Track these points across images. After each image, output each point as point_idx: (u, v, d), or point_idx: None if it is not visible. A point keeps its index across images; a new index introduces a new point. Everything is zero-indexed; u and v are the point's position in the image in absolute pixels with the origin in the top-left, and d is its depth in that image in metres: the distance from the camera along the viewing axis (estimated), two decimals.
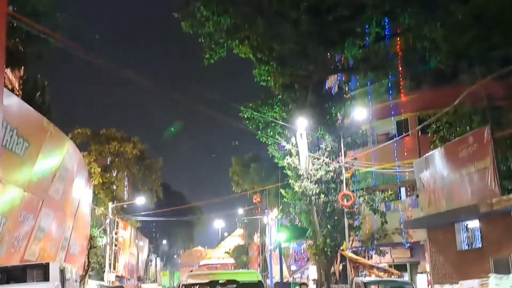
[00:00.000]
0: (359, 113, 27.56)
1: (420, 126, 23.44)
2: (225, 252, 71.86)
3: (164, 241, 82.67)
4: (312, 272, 36.83)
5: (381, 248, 30.11)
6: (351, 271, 26.82)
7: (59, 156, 16.70)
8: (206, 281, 11.60)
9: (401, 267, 30.47)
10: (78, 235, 22.66)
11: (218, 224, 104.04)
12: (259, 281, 11.75)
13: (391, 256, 31.83)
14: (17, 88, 18.19)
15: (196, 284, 11.50)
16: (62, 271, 10.33)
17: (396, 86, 33.31)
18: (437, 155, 17.89)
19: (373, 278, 20.24)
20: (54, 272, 10.08)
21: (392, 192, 29.39)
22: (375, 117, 32.85)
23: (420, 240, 30.00)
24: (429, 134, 21.90)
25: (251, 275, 12.43)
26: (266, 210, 52.97)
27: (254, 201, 66.03)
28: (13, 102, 13.30)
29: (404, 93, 32.86)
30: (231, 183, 50.30)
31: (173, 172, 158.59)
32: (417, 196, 31.69)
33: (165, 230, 77.13)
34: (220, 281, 11.56)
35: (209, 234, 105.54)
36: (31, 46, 15.97)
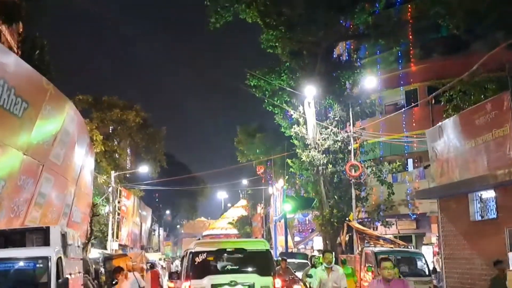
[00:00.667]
0: (369, 82, 26.80)
1: (434, 93, 22.71)
2: (229, 223, 71.72)
3: (168, 211, 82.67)
4: (317, 242, 36.57)
5: (387, 220, 29.70)
6: (357, 242, 26.44)
7: (60, 118, 16.07)
8: (214, 249, 11.76)
9: (406, 239, 30.04)
10: (80, 202, 22.20)
11: (221, 195, 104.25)
12: (267, 250, 11.89)
13: (397, 228, 31.45)
14: (15, 47, 17.48)
15: (204, 251, 11.63)
16: (63, 236, 9.79)
17: (406, 55, 32.51)
18: (451, 123, 17.22)
19: (384, 248, 19.76)
20: (55, 236, 9.54)
21: (400, 163, 28.82)
22: (384, 87, 32.07)
23: (426, 211, 29.61)
24: (442, 103, 21.18)
25: (259, 244, 12.44)
26: (270, 182, 52.63)
27: (257, 172, 65.66)
28: (10, 60, 12.63)
29: (414, 63, 32.10)
30: (236, 153, 49.77)
31: (177, 142, 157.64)
32: (425, 167, 31.21)
33: (168, 201, 77.04)
34: (227, 249, 11.79)
35: (212, 205, 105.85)
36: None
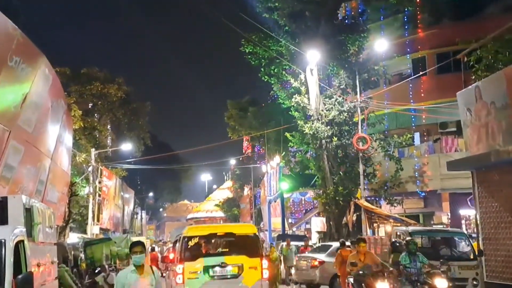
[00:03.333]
0: (379, 45, 24.22)
1: (466, 50, 20.14)
2: (215, 205, 69.25)
3: (150, 194, 79.87)
4: (315, 224, 34.20)
5: (390, 198, 27.18)
6: (365, 222, 24.10)
7: (30, 75, 13.18)
8: (206, 233, 12.70)
9: (413, 219, 27.68)
10: (57, 179, 19.37)
11: (205, 177, 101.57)
12: (255, 234, 12.74)
13: (402, 207, 29.01)
14: None
15: (196, 236, 12.49)
16: (28, 211, 7.09)
17: (413, 20, 30.00)
18: (493, 82, 14.75)
19: (417, 227, 17.29)
20: (15, 211, 6.85)
21: (410, 135, 26.41)
22: (388, 55, 29.50)
23: (436, 188, 27.36)
24: (471, 63, 18.66)
25: (247, 228, 13.46)
26: (261, 161, 50.04)
27: (244, 150, 62.95)
28: None
29: (422, 28, 29.55)
30: (227, 129, 46.85)
31: (160, 122, 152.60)
32: (434, 141, 28.90)
33: (151, 183, 74.13)
34: (218, 234, 12.83)
35: (195, 187, 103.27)
36: None
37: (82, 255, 20.40)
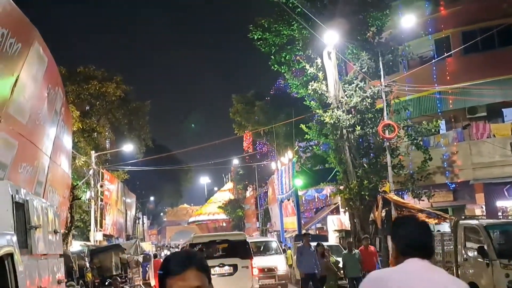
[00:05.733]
0: (407, 21, 22.11)
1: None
2: (218, 207, 67.22)
3: (152, 198, 77.88)
4: (332, 222, 32.09)
5: (420, 191, 25.00)
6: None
7: (21, 53, 11.01)
8: (207, 240, 16.34)
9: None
10: (57, 181, 17.24)
11: (204, 180, 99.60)
12: (245, 240, 16.41)
13: (429, 200, 26.77)
14: None
15: (200, 243, 15.95)
16: (21, 208, 4.91)
17: None
18: None
19: (492, 220, 15.13)
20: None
21: (440, 121, 24.34)
22: (409, 37, 27.41)
23: (468, 179, 25.26)
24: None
25: (239, 236, 17.55)
26: (268, 159, 47.93)
27: (244, 149, 60.75)
28: None
29: (444, 6, 27.45)
30: (232, 125, 44.51)
31: (159, 123, 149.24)
32: (464, 127, 26.83)
33: (151, 187, 71.97)
34: (216, 241, 16.55)
35: (194, 191, 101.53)
36: None
37: (87, 265, 18.30)
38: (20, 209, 4.99)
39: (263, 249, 23.36)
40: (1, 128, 10.84)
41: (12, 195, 4.91)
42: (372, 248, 17.61)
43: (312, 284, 16.51)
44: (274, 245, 23.85)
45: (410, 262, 2.86)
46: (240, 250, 15.50)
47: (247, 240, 16.48)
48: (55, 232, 6.44)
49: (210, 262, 14.06)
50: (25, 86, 11.65)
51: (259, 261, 18.10)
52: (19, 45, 10.62)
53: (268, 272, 20.57)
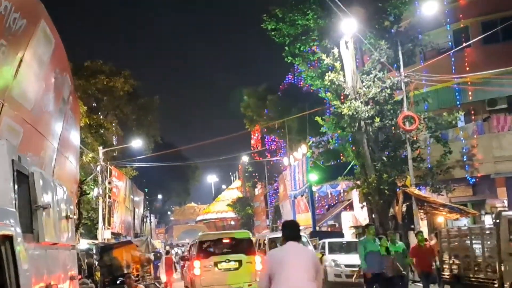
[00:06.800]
0: (429, 8, 21.17)
1: None
2: (227, 205, 66.49)
3: (159, 196, 77.29)
4: (346, 219, 31.24)
5: (439, 186, 24.07)
6: (417, 213, 21.17)
7: (26, 31, 10.14)
8: (215, 239, 17.81)
9: None
10: (65, 174, 16.33)
11: (211, 179, 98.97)
12: (249, 238, 17.87)
13: (447, 196, 25.79)
14: None
15: (208, 240, 17.64)
16: (25, 180, 3.92)
17: None
18: None
19: None
20: None
21: (461, 113, 23.44)
22: (426, 28, 26.49)
23: (489, 173, 24.31)
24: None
25: (244, 234, 18.24)
26: (276, 155, 47.05)
27: (252, 145, 59.84)
28: None
29: None
30: (244, 120, 43.58)
31: (167, 119, 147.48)
32: (484, 120, 25.90)
33: (159, 185, 71.43)
34: (223, 238, 17.62)
35: (201, 189, 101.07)
36: None
37: (96, 263, 17.51)
38: (24, 182, 4.01)
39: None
40: (5, 113, 9.98)
41: (12, 160, 3.93)
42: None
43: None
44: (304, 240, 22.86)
45: (289, 243, 5.60)
46: (245, 247, 16.87)
47: (251, 238, 18.09)
48: (68, 217, 5.42)
49: (217, 258, 16.43)
50: (30, 68, 10.77)
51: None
52: (23, 21, 9.74)
53: None
